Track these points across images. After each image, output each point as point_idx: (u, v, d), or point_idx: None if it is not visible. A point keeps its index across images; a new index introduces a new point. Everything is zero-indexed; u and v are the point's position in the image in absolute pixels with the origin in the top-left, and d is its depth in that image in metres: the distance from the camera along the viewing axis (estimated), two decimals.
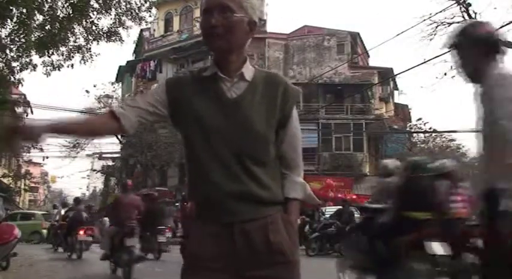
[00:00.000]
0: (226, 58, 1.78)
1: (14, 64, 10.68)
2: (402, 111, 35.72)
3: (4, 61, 10.77)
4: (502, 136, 2.27)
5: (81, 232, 12.78)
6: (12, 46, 10.40)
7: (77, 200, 15.68)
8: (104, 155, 32.14)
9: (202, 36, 1.79)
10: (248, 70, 1.80)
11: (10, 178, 32.95)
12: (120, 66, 37.13)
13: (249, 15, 1.76)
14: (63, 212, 16.28)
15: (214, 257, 1.69)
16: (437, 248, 4.71)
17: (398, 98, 37.39)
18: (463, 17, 16.97)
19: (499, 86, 2.35)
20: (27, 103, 27.19)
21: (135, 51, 38.04)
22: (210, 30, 1.73)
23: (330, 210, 17.44)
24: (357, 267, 5.95)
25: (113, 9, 10.57)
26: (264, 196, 1.72)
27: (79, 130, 1.88)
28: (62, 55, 10.56)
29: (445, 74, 17.62)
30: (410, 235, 4.82)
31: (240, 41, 1.77)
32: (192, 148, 1.78)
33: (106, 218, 11.98)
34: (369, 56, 36.54)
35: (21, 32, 9.95)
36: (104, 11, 10.45)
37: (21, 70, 10.69)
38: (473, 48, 2.54)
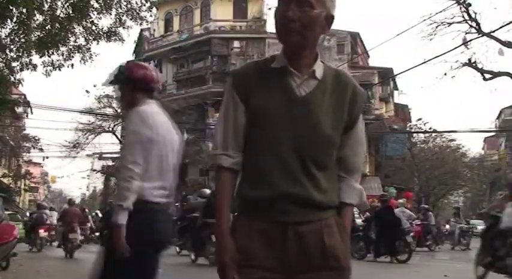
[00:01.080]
0: (299, 53, 1.68)
1: (14, 64, 10.69)
2: (402, 111, 35.72)
3: (4, 61, 10.78)
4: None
5: (42, 230, 15.76)
6: (12, 46, 10.40)
7: (39, 205, 19.07)
8: (104, 155, 32.13)
9: (275, 27, 1.68)
10: (319, 68, 1.70)
11: (10, 178, 32.94)
12: (120, 66, 37.12)
13: (327, 9, 1.66)
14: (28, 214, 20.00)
15: (264, 255, 1.63)
16: None
17: (398, 98, 37.48)
18: (463, 17, 17.02)
19: (129, 120, 2.79)
20: (27, 103, 27.19)
21: (135, 51, 38.03)
22: (286, 24, 1.63)
23: None
24: None
25: (114, 9, 10.57)
26: (321, 201, 1.65)
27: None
28: (62, 55, 10.57)
29: (445, 74, 17.71)
30: None
31: (316, 36, 1.69)
32: (253, 143, 1.69)
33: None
34: (368, 56, 36.56)
35: (21, 32, 9.95)
36: (104, 11, 10.46)
37: (21, 70, 10.69)
38: (125, 85, 3.01)
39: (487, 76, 17.58)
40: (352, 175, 1.78)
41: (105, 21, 12.38)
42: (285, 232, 1.62)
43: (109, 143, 30.94)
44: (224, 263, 1.64)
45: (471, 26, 16.97)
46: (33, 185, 42.82)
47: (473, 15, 16.83)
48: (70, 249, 13.18)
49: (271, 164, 1.64)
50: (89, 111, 27.36)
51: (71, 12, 10.01)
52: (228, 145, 1.71)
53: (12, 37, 10.22)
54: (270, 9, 30.77)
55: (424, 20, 16.91)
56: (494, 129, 41.78)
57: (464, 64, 17.37)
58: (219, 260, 1.66)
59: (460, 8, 16.86)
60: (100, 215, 19.82)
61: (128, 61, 3.36)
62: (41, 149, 31.84)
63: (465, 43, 16.76)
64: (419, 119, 31.75)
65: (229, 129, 1.71)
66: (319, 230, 1.64)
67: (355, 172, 1.79)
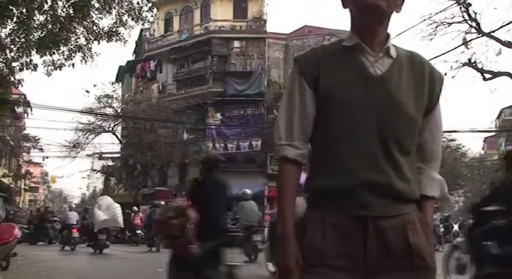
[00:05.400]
0: (373, 29, 1.56)
1: (14, 64, 10.71)
2: None
3: (4, 61, 10.79)
4: None
5: None
6: (12, 46, 10.41)
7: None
8: (104, 155, 32.10)
9: None
10: (392, 46, 1.58)
11: (10, 178, 32.94)
12: (120, 66, 37.13)
13: None
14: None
15: (340, 254, 1.47)
16: None
17: None
18: (463, 17, 17.00)
19: None
20: (27, 103, 27.19)
21: (135, 51, 38.04)
22: None
23: None
24: None
25: (114, 9, 10.58)
26: (405, 191, 1.50)
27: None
28: (63, 54, 10.57)
29: (445, 74, 17.66)
30: None
31: (393, 9, 1.56)
32: (326, 128, 1.54)
33: None
34: None
35: (21, 32, 9.96)
36: (105, 11, 10.46)
37: (21, 70, 10.71)
38: None
39: (487, 76, 17.57)
40: (431, 165, 1.62)
41: (105, 21, 12.40)
42: (364, 228, 1.47)
43: (109, 143, 30.82)
44: (288, 267, 1.49)
45: (471, 26, 16.96)
46: (33, 185, 42.82)
47: (473, 15, 16.82)
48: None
49: (349, 150, 1.50)
50: (89, 111, 27.32)
51: (71, 12, 10.01)
52: (293, 135, 1.57)
53: (12, 37, 10.24)
54: (267, 4, 30.85)
55: (424, 20, 16.90)
56: (494, 129, 41.76)
57: (464, 64, 17.37)
58: (282, 264, 1.51)
59: (460, 8, 16.86)
60: None
61: None
62: (41, 149, 31.85)
63: (465, 43, 16.77)
64: None
65: (294, 117, 1.57)
66: (402, 226, 1.49)
67: (434, 161, 1.63)
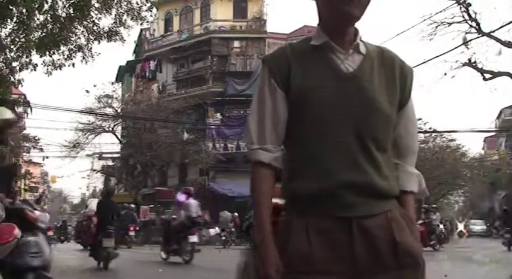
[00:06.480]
0: (343, 30, 1.54)
1: (14, 64, 10.72)
2: None
3: (4, 61, 10.80)
4: None
5: None
6: (12, 46, 10.43)
7: None
8: (104, 155, 32.10)
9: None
10: (362, 43, 1.57)
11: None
12: (120, 66, 37.15)
13: None
14: None
15: (326, 258, 1.43)
16: None
17: None
18: (463, 17, 17.01)
19: None
20: (27, 103, 27.19)
21: (135, 51, 38.06)
22: None
23: None
24: None
25: (114, 9, 10.60)
26: (385, 188, 1.48)
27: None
28: (63, 54, 10.59)
29: (445, 74, 17.68)
30: None
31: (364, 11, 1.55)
32: (300, 129, 1.51)
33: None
34: None
35: (21, 32, 9.98)
36: (104, 11, 10.48)
37: (20, 70, 10.72)
38: None
39: (487, 76, 17.58)
40: (407, 160, 1.61)
41: (105, 21, 12.43)
42: (349, 229, 1.44)
43: (109, 143, 30.80)
44: (268, 276, 1.45)
45: (471, 26, 16.97)
46: (33, 185, 42.82)
47: (473, 15, 16.84)
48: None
49: (325, 150, 1.47)
50: (89, 111, 27.32)
51: (71, 12, 10.03)
52: (265, 138, 1.54)
53: (12, 37, 10.25)
54: (267, 4, 30.86)
55: (424, 20, 16.95)
56: (494, 129, 41.77)
57: (464, 64, 17.38)
58: (262, 273, 1.46)
59: (460, 8, 16.88)
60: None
61: None
62: (41, 149, 31.83)
63: (465, 43, 16.78)
64: (419, 119, 31.72)
65: (266, 120, 1.53)
66: (386, 225, 1.46)
67: (410, 156, 1.62)
